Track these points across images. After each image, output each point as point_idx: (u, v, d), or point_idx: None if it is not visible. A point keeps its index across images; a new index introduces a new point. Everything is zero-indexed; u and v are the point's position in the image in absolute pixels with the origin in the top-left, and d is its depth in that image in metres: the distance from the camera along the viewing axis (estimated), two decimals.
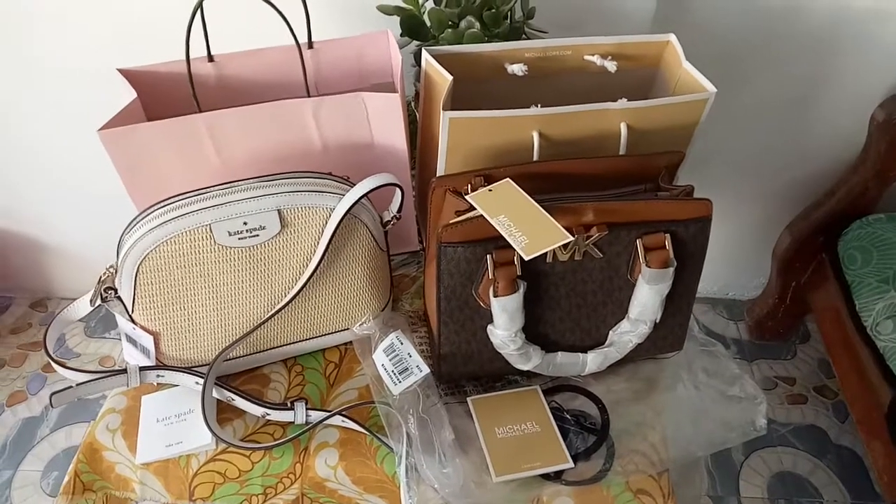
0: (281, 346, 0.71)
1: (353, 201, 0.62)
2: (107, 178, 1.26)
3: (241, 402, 0.66)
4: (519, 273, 0.59)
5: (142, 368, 0.66)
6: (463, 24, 0.77)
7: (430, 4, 0.82)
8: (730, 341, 1.48)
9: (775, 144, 1.21)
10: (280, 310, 0.66)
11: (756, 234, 1.36)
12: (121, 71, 0.70)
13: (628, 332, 0.65)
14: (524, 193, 0.59)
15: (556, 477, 0.62)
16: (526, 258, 0.54)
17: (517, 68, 0.70)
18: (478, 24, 0.77)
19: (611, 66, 0.71)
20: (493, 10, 0.78)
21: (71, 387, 0.64)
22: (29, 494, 1.25)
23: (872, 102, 1.10)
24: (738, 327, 1.51)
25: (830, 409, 1.35)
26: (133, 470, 0.68)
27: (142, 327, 0.66)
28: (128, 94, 0.69)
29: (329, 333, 0.72)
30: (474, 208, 0.59)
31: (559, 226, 0.55)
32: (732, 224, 1.32)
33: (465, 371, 0.68)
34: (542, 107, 0.65)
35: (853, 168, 1.15)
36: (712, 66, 0.70)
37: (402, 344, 0.68)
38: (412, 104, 0.88)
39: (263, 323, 0.66)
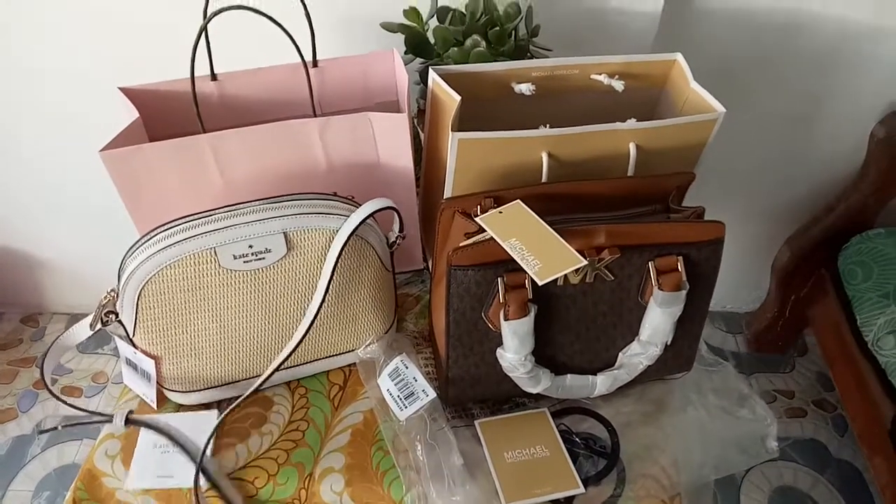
0: (284, 369, 0.69)
1: (356, 223, 0.61)
2: (101, 193, 1.25)
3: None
4: (530, 296, 0.58)
5: (127, 421, 0.66)
6: (468, 42, 0.76)
7: (433, 22, 0.81)
8: (728, 354, 1.48)
9: (775, 160, 1.21)
10: (296, 346, 0.65)
11: (755, 249, 1.36)
12: (122, 89, 0.69)
13: (639, 355, 0.64)
14: (535, 216, 0.58)
15: (567, 502, 0.61)
16: (540, 283, 0.53)
17: (524, 88, 0.70)
18: (483, 43, 0.76)
19: (618, 85, 0.71)
20: (498, 28, 0.78)
21: (56, 428, 0.64)
22: None
23: (872, 119, 1.11)
24: (736, 340, 1.51)
25: (830, 423, 1.34)
26: (133, 496, 0.67)
27: (143, 351, 0.64)
28: (128, 113, 0.68)
29: (333, 356, 0.71)
30: (484, 230, 0.58)
31: (572, 250, 0.55)
32: (731, 238, 1.31)
33: (473, 394, 0.67)
34: (549, 126, 0.64)
35: (853, 184, 1.16)
36: (712, 82, 0.70)
37: (407, 368, 0.67)
38: (415, 121, 0.87)
39: (278, 368, 0.66)
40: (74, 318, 1.60)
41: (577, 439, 0.66)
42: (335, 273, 0.63)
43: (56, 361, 0.66)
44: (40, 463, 1.30)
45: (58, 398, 0.66)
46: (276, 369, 0.66)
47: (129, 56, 1.05)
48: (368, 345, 0.71)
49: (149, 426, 0.67)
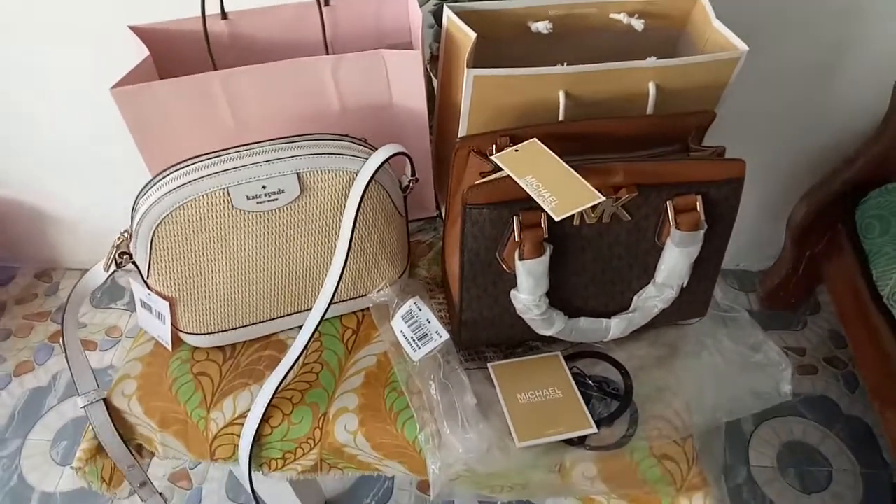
0: (298, 312, 0.70)
1: (376, 166, 0.61)
2: (110, 144, 1.24)
3: None
4: (546, 236, 0.58)
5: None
6: None
7: None
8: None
9: (794, 111, 1.19)
10: (331, 300, 0.65)
11: (770, 205, 1.34)
12: (132, 28, 0.68)
13: (654, 297, 0.64)
14: (552, 153, 0.57)
15: (580, 442, 0.62)
16: (556, 219, 0.52)
17: (541, 26, 0.68)
18: None
19: (638, 24, 0.69)
20: None
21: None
22: (39, 464, 1.25)
23: (895, 69, 1.08)
24: (748, 298, 1.51)
25: (841, 380, 1.34)
26: (153, 431, 0.68)
27: (157, 293, 0.65)
28: (139, 52, 0.67)
29: (347, 300, 0.71)
30: (500, 169, 0.57)
31: (590, 186, 0.54)
32: (747, 193, 1.29)
33: (485, 337, 0.67)
34: (567, 65, 0.63)
35: (874, 137, 1.13)
36: (733, 28, 0.68)
37: (420, 310, 0.67)
38: (428, 66, 0.85)
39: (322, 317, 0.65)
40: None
41: (590, 382, 0.66)
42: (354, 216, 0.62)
43: (76, 312, 0.66)
44: (57, 414, 1.33)
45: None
46: (321, 319, 0.65)
47: None
48: (381, 289, 0.71)
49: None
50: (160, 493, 0.73)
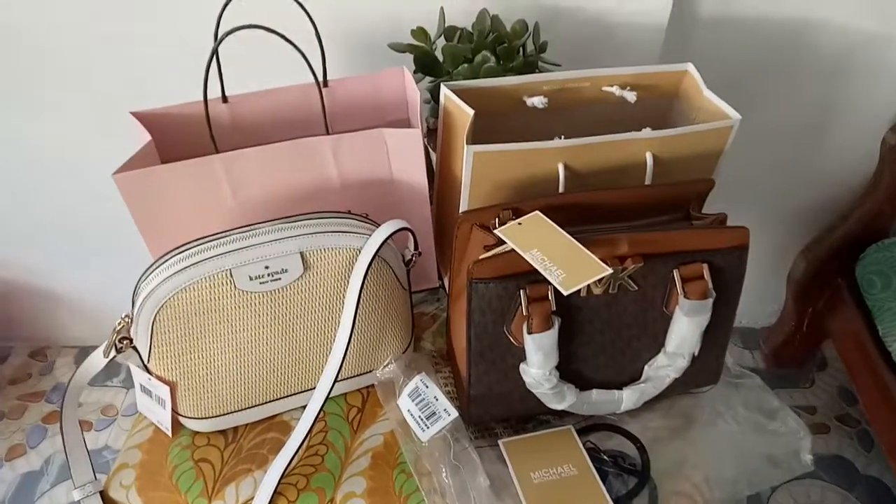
0: (301, 392, 0.68)
1: (380, 242, 0.61)
2: (108, 225, 1.24)
3: None
4: (553, 308, 0.57)
5: None
6: (478, 58, 0.76)
7: (441, 41, 0.81)
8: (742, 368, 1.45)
9: (786, 169, 1.20)
10: (336, 377, 0.63)
11: (769, 261, 1.34)
12: (134, 114, 0.69)
13: (665, 367, 0.63)
14: (556, 226, 0.57)
15: None
16: (565, 293, 0.52)
17: (537, 101, 0.69)
18: (493, 59, 0.76)
19: (630, 96, 0.71)
20: (507, 45, 0.78)
21: None
22: None
23: (883, 126, 1.10)
24: (753, 356, 1.49)
25: (855, 438, 1.31)
26: None
27: (157, 377, 0.63)
28: (141, 137, 0.68)
29: (351, 377, 0.70)
30: (503, 242, 0.57)
31: (596, 258, 0.54)
32: None
33: (495, 412, 0.66)
34: (564, 138, 0.64)
35: (866, 192, 1.15)
36: (720, 92, 0.70)
37: (427, 387, 0.65)
38: (425, 140, 0.86)
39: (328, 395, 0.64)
40: (83, 351, 1.59)
41: (605, 457, 0.64)
42: (354, 292, 0.62)
43: (76, 401, 0.64)
44: (49, 500, 1.28)
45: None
46: (328, 395, 0.64)
47: (140, 80, 1.05)
48: (386, 365, 0.69)
49: None
50: None
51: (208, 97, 0.65)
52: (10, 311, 1.52)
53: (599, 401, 0.63)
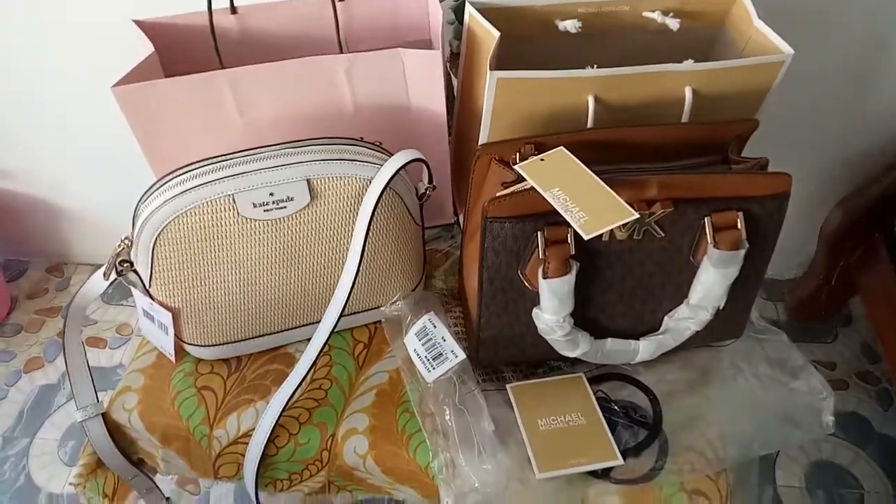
0: (306, 325, 0.66)
1: (391, 173, 0.57)
2: (123, 138, 1.21)
3: None
4: (572, 252, 0.53)
5: None
6: None
7: None
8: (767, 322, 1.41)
9: (833, 114, 1.13)
10: (340, 315, 0.61)
11: (802, 211, 1.27)
12: (137, 22, 0.65)
13: (686, 319, 0.59)
14: (581, 164, 0.53)
15: (604, 474, 0.57)
16: (585, 237, 0.48)
17: (570, 24, 0.63)
18: None
19: (672, 23, 0.65)
20: None
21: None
22: (46, 463, 1.23)
23: None
24: (776, 308, 1.45)
25: (873, 396, 1.28)
26: (155, 448, 0.65)
27: (160, 303, 0.61)
28: (144, 49, 0.63)
29: (358, 312, 0.67)
30: (523, 179, 0.53)
31: (622, 201, 0.49)
32: None
33: (505, 356, 0.63)
34: (597, 68, 0.58)
35: None
36: (771, 24, 0.63)
37: (435, 327, 0.63)
38: (448, 65, 0.81)
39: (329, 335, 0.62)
40: (98, 268, 1.60)
41: (615, 407, 0.62)
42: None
43: (78, 323, 0.63)
44: (65, 412, 1.31)
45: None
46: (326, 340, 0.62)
47: None
48: (395, 302, 0.67)
49: None
50: (167, 499, 0.70)
51: (217, 8, 0.61)
52: (28, 227, 1.52)
53: (614, 350, 0.61)
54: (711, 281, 0.56)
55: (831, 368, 1.33)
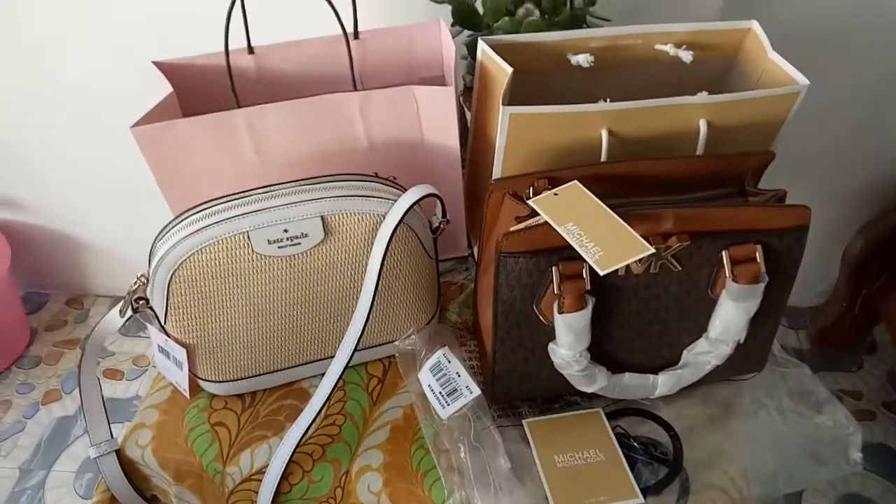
0: (321, 360, 0.66)
1: (405, 209, 0.57)
2: (142, 175, 1.24)
3: None
4: (588, 288, 0.53)
5: None
6: (521, 11, 0.70)
7: None
8: (791, 351, 1.39)
9: (850, 142, 1.12)
10: (354, 350, 0.61)
11: (823, 238, 1.26)
12: (156, 64, 0.66)
13: (706, 353, 0.58)
14: (595, 198, 0.53)
15: None
16: (601, 273, 0.47)
17: (582, 59, 0.64)
18: (537, 12, 0.70)
19: (686, 56, 0.65)
20: None
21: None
22: (62, 496, 1.23)
23: None
24: (798, 336, 1.42)
25: None
26: (168, 484, 0.65)
27: (174, 339, 0.61)
28: (162, 88, 0.65)
29: (372, 346, 0.67)
30: (537, 214, 0.53)
31: (637, 235, 0.49)
32: None
33: (520, 391, 0.62)
34: (609, 101, 0.58)
35: None
36: (786, 56, 0.63)
37: (449, 362, 0.62)
38: (461, 99, 0.82)
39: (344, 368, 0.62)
40: (117, 301, 1.61)
41: (634, 444, 0.60)
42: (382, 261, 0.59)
43: (94, 359, 0.64)
44: (83, 444, 1.31)
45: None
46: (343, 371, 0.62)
47: (164, 30, 1.02)
48: (408, 336, 0.66)
49: None
50: None
51: (234, 48, 0.62)
52: (48, 259, 1.54)
53: (632, 385, 0.60)
54: (731, 315, 0.55)
55: (857, 398, 1.30)
